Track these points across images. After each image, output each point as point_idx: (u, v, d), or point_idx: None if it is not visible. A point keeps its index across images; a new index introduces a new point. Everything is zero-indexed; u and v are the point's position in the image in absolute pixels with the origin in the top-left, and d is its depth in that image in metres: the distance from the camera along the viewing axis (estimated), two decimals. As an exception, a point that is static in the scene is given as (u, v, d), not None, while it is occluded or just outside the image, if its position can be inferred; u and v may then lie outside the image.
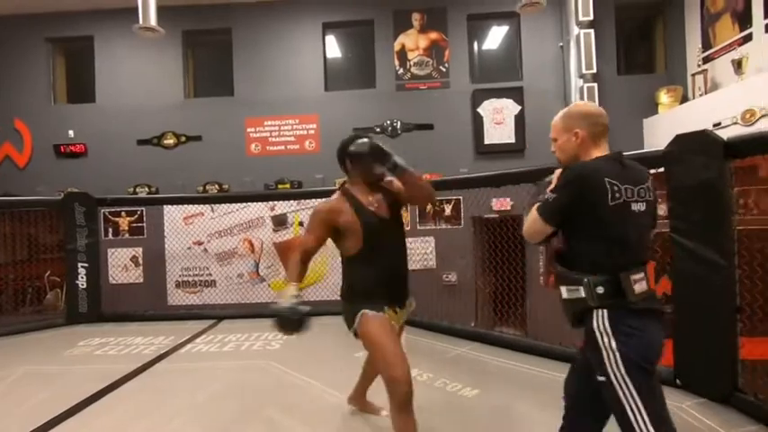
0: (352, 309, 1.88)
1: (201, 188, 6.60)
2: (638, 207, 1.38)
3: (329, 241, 1.96)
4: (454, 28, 6.51)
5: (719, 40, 5.60)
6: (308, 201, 6.35)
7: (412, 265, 6.15)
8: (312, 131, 6.56)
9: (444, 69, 6.49)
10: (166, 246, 6.54)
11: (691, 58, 6.09)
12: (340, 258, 2.01)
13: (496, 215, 6.44)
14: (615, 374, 1.32)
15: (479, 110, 6.39)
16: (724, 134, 4.86)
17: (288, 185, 6.47)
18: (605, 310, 1.35)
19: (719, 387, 2.46)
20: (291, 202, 6.37)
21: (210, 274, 6.56)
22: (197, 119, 6.64)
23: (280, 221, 6.50)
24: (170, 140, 6.63)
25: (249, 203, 6.30)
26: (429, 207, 6.07)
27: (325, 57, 6.64)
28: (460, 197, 6.41)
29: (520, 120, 6.36)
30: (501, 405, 2.59)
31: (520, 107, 6.36)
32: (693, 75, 5.77)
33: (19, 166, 6.68)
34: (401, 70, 6.53)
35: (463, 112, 6.47)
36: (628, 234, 1.37)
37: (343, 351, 3.72)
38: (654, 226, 1.51)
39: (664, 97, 6.13)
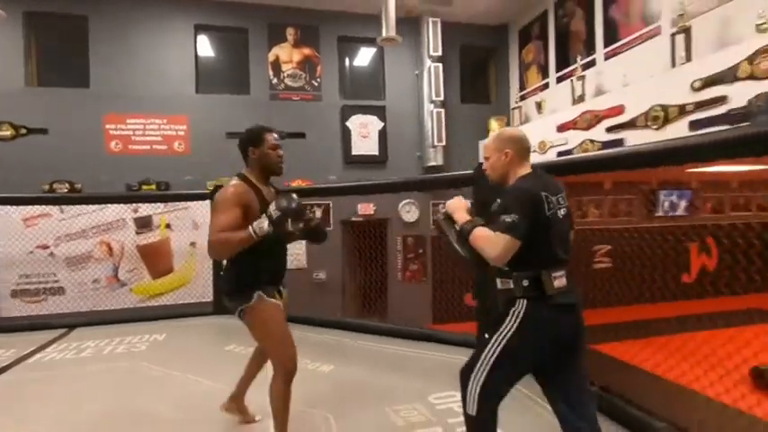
0: (240, 294, 1.96)
1: (48, 187, 6.01)
2: (561, 212, 1.62)
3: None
4: (326, 46, 7.08)
5: (530, 84, 7.21)
6: (177, 203, 6.27)
7: (284, 266, 6.53)
8: (182, 133, 6.47)
9: (316, 84, 7.01)
10: (-1, 250, 5.80)
11: (512, 95, 7.66)
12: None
13: (361, 218, 7.21)
14: (496, 345, 1.61)
15: (348, 123, 7.07)
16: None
17: (153, 186, 6.28)
18: (526, 300, 1.58)
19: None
20: (158, 204, 6.21)
21: (58, 281, 6.03)
22: (42, 110, 6.00)
23: (144, 223, 6.29)
24: (6, 132, 5.88)
25: (108, 204, 5.95)
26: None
27: (196, 58, 6.60)
28: (330, 202, 7.03)
29: (383, 135, 7.21)
30: (348, 376, 3.21)
31: (383, 123, 7.22)
32: (513, 109, 7.30)
33: None
34: (275, 80, 6.85)
35: (333, 124, 7.08)
36: (552, 237, 1.59)
37: (212, 347, 3.99)
38: (572, 228, 1.74)
39: (494, 124, 7.58)
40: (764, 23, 3.47)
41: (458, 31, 7.52)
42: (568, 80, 6.06)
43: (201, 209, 6.41)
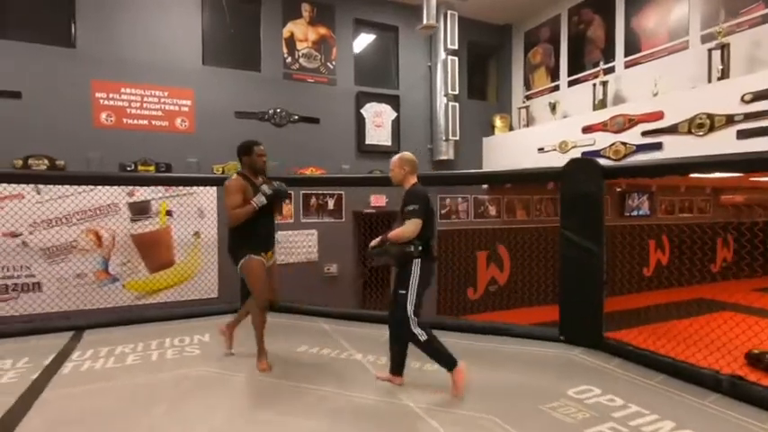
0: (240, 252, 3.01)
1: (21, 162, 5.00)
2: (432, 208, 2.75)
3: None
4: (341, 28, 6.70)
5: (536, 86, 7.48)
6: (180, 188, 5.57)
7: (295, 258, 6.14)
8: (186, 108, 5.73)
9: (332, 67, 6.61)
10: (-46, 238, 4.72)
11: (515, 95, 7.89)
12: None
13: (374, 210, 6.99)
14: (411, 289, 2.61)
15: (362, 111, 6.79)
16: (546, 156, 6.49)
17: (153, 168, 5.52)
18: (420, 259, 2.63)
19: (593, 337, 3.54)
20: (158, 188, 5.46)
21: (33, 275, 5.08)
22: (13, 69, 4.95)
23: (141, 209, 5.51)
24: (-35, 92, 4.77)
25: (97, 186, 5.10)
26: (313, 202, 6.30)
27: (203, 26, 5.88)
28: (342, 192, 6.71)
29: (396, 125, 7.04)
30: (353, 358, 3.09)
31: (396, 113, 7.04)
32: (519, 108, 7.52)
33: None
34: (289, 59, 6.34)
35: (347, 110, 6.74)
36: (432, 222, 2.71)
37: (280, 348, 3.60)
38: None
39: (498, 122, 7.77)
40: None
41: (466, 27, 7.54)
42: (585, 84, 6.38)
43: (208, 195, 5.78)
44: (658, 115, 4.89)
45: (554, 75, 7.10)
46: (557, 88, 7.05)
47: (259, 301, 3.01)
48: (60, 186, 4.95)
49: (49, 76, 5.10)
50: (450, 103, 7.03)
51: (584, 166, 3.60)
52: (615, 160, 5.32)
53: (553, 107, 6.74)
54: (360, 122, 6.78)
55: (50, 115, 5.09)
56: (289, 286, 5.68)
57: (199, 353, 3.49)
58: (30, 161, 5.02)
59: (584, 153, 5.77)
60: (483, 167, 7.76)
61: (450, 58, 7.01)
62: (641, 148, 5.05)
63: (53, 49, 5.18)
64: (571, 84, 6.79)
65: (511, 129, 7.79)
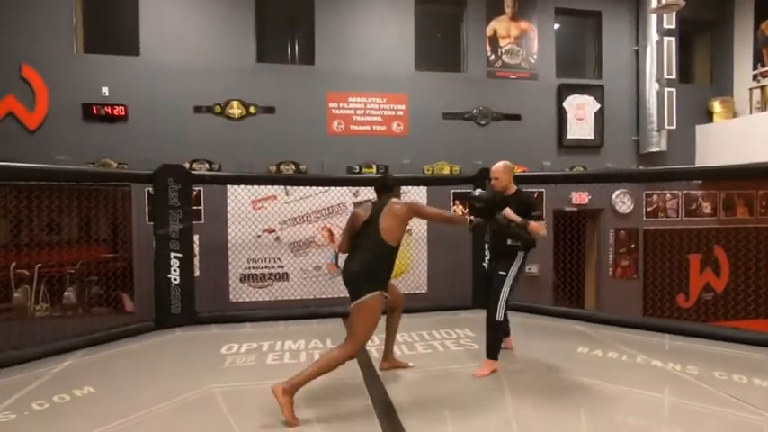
0: (373, 284, 2.45)
1: (275, 168, 5.78)
2: None
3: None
4: (542, 19, 6.48)
5: (775, 61, 6.35)
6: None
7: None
8: (401, 113, 6.08)
9: (533, 61, 6.44)
10: (230, 233, 5.64)
11: (740, 74, 6.81)
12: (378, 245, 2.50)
13: (575, 208, 6.65)
14: (511, 274, 2.98)
15: (564, 104, 6.48)
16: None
17: (374, 170, 5.95)
18: (523, 252, 3.02)
19: None
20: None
21: (283, 266, 5.82)
22: (270, 88, 5.75)
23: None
24: (236, 110, 5.67)
25: (329, 188, 5.67)
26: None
27: (415, 33, 6.17)
28: (543, 190, 6.49)
29: (599, 117, 6.59)
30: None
31: (599, 105, 6.58)
32: (751, 89, 6.47)
33: (28, 128, 5.20)
34: (492, 57, 6.34)
35: (549, 105, 6.51)
36: None
37: (561, 348, 3.51)
38: None
39: (717, 107, 6.80)
40: None
41: (677, 3, 6.72)
42: None
43: (417, 194, 6.04)
44: None
45: (806, 45, 5.95)
46: (811, 61, 5.89)
47: (353, 349, 2.43)
48: (303, 189, 5.64)
49: (296, 91, 5.81)
50: (667, 89, 6.33)
51: None
52: None
53: (812, 84, 5.64)
54: (561, 116, 6.49)
55: (296, 125, 5.79)
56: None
57: (478, 347, 3.58)
58: (281, 167, 5.78)
59: None
60: (697, 161, 6.87)
61: (665, 38, 6.32)
62: None
63: (298, 67, 5.91)
64: (836, 54, 5.61)
65: (735, 115, 6.76)
